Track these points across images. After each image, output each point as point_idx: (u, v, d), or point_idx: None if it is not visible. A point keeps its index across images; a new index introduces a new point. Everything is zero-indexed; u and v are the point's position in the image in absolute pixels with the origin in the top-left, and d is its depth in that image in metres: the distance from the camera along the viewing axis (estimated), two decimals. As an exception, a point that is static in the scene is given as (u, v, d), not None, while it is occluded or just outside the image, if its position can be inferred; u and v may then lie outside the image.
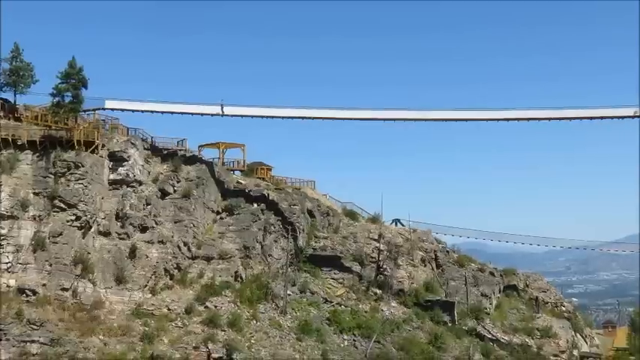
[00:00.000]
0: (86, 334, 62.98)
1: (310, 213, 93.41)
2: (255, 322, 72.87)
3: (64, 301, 66.04)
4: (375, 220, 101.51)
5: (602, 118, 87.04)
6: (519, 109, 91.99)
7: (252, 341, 69.31)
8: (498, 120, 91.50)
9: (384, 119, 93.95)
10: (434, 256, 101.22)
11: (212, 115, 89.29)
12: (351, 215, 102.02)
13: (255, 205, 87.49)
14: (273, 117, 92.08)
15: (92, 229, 71.89)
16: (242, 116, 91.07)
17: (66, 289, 66.77)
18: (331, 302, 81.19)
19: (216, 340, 66.69)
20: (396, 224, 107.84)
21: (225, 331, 69.06)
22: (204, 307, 72.82)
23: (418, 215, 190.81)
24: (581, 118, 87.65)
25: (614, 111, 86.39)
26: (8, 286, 64.20)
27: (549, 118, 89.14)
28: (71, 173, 71.22)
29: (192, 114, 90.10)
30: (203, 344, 66.02)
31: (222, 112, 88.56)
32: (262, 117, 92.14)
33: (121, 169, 77.18)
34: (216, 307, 73.07)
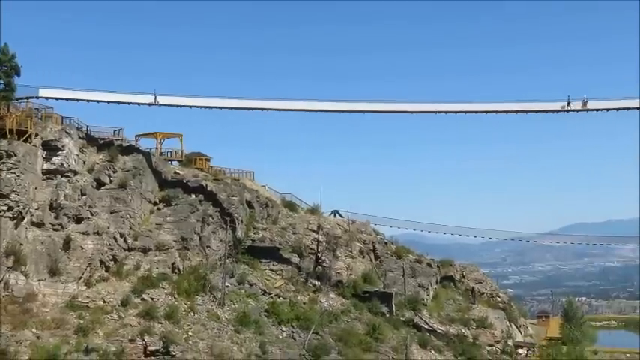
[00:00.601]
0: (18, 327, 61.29)
1: (249, 204, 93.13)
2: (192, 314, 72.10)
3: (-5, 294, 64.42)
4: (313, 211, 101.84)
5: (536, 111, 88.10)
6: (458, 102, 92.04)
7: (190, 333, 68.44)
8: (437, 112, 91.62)
9: (322, 110, 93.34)
10: (372, 248, 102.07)
11: (148, 104, 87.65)
12: (290, 206, 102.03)
13: (193, 196, 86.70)
14: (209, 107, 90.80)
15: (25, 220, 70.02)
16: (177, 106, 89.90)
17: (-3, 282, 65.13)
18: (270, 294, 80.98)
19: (152, 332, 65.60)
20: (334, 216, 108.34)
21: (162, 323, 67.95)
22: (141, 300, 71.62)
23: (357, 207, 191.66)
24: (517, 112, 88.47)
25: (544, 105, 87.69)
26: (-64, 278, 62.34)
27: (486, 111, 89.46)
28: (3, 163, 69.22)
29: (127, 103, 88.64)
30: (139, 337, 64.82)
31: (156, 101, 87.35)
32: (198, 107, 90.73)
33: (55, 159, 75.49)
34: (152, 299, 71.93)
